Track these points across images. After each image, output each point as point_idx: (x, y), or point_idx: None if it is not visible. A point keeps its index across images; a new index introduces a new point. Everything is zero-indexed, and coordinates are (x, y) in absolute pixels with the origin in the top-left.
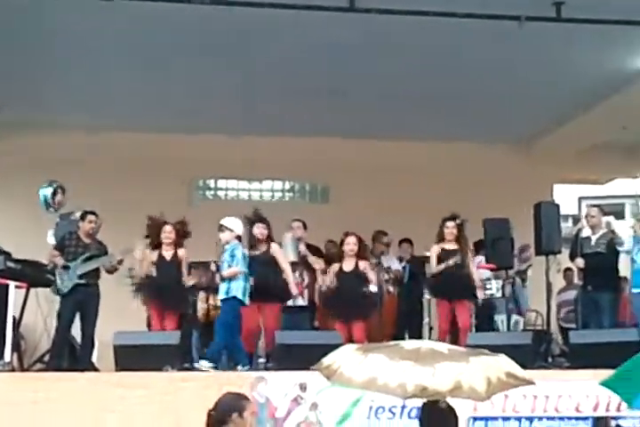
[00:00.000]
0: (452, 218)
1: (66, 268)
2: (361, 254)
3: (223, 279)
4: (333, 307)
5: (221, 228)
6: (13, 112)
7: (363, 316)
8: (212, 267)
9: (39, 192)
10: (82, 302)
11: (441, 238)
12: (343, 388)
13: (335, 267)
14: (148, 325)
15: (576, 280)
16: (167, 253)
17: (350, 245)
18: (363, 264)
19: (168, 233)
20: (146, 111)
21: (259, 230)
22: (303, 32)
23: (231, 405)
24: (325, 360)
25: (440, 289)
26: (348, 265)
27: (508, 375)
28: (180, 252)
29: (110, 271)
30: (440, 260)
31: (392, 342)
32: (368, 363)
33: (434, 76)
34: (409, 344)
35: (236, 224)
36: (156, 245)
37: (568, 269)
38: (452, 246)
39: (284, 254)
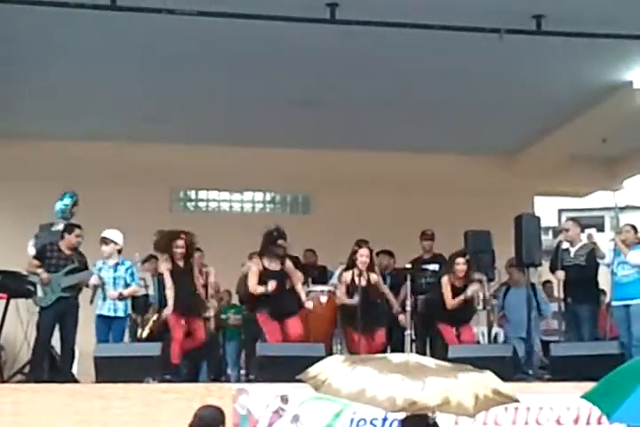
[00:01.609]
0: (463, 254)
1: (49, 280)
2: (371, 267)
3: (121, 298)
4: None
5: (105, 240)
6: None
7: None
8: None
9: (59, 201)
10: (62, 313)
11: (448, 271)
12: (327, 400)
13: (347, 279)
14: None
15: (555, 293)
16: (179, 262)
17: (364, 257)
18: (374, 278)
19: (180, 248)
20: (127, 121)
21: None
22: (285, 43)
23: (214, 418)
24: (312, 370)
25: (453, 318)
26: (363, 280)
27: (494, 392)
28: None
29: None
30: (453, 294)
31: (378, 355)
32: (356, 375)
33: (415, 87)
34: (396, 357)
35: (118, 237)
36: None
37: (547, 282)
38: (462, 283)
39: None
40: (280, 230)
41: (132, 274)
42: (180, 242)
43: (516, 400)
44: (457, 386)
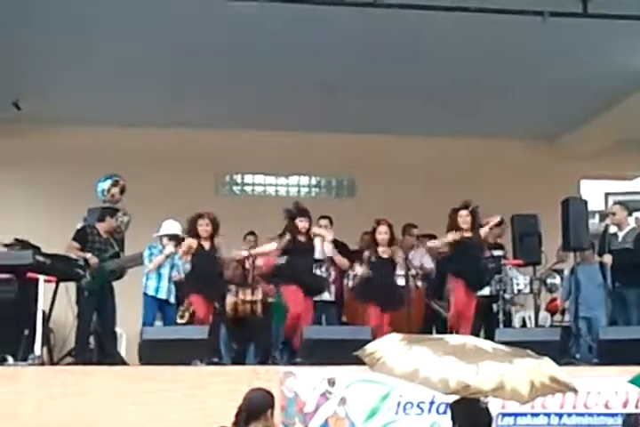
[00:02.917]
0: (465, 206)
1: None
2: (392, 242)
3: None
4: (368, 293)
5: (177, 238)
6: (36, 107)
7: (398, 303)
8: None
9: (98, 184)
10: (101, 298)
11: (453, 228)
12: (374, 382)
13: (367, 254)
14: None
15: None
16: (205, 243)
17: (382, 234)
18: (395, 251)
19: (205, 226)
20: (174, 106)
21: (302, 224)
22: (325, 26)
23: (265, 401)
24: (369, 347)
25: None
26: (382, 253)
27: (551, 380)
28: (217, 241)
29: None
30: (454, 249)
31: (437, 336)
32: (412, 355)
33: (458, 71)
34: (454, 339)
35: (178, 228)
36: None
37: None
38: (467, 234)
39: None
40: (299, 207)
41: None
42: (204, 221)
43: (574, 389)
44: (512, 371)
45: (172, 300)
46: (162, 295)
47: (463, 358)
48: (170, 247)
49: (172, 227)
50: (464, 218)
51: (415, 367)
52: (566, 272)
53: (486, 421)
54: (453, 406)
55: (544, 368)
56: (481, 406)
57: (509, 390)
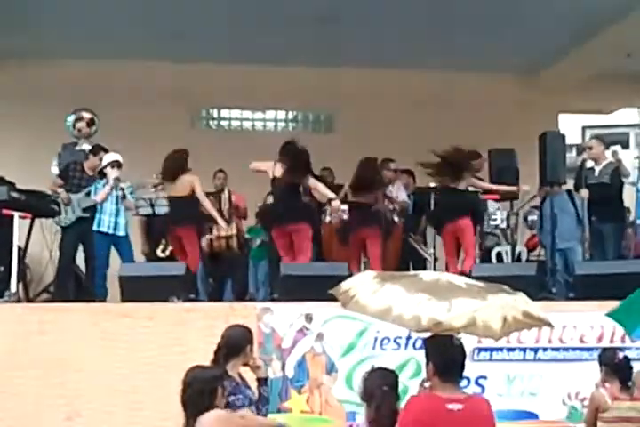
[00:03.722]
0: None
1: (69, 200)
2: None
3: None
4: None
5: (119, 164)
6: (10, 41)
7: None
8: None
9: (66, 119)
10: (84, 233)
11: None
12: (351, 318)
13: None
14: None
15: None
16: None
17: None
18: None
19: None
20: (148, 40)
21: None
22: None
23: (244, 337)
24: (343, 285)
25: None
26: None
27: (524, 315)
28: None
29: None
30: None
31: (411, 272)
32: (384, 292)
33: (437, 3)
34: (428, 275)
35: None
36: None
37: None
38: None
39: None
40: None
41: (131, 193)
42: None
43: (549, 324)
44: (484, 308)
45: (121, 233)
46: (103, 229)
47: (435, 295)
48: (115, 172)
49: (112, 155)
50: None
51: (388, 305)
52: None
53: (460, 358)
54: (427, 344)
55: (517, 303)
56: (454, 343)
57: (481, 326)
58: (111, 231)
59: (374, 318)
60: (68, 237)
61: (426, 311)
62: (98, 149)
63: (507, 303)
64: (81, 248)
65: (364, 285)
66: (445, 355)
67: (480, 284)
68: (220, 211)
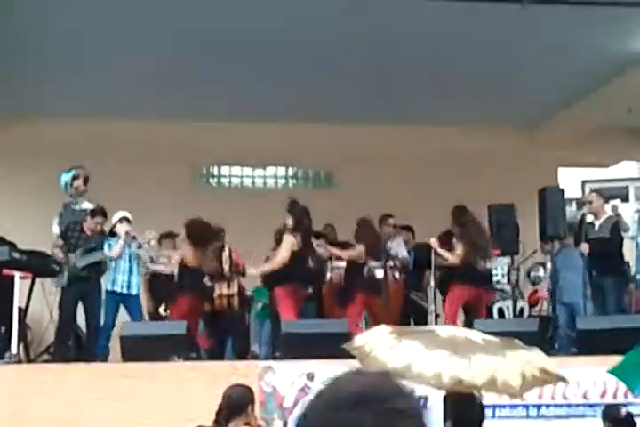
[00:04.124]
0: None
1: (66, 261)
2: None
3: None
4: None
5: (127, 219)
6: (14, 100)
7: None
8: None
9: (61, 177)
10: (83, 293)
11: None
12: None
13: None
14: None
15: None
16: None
17: None
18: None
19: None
20: (149, 98)
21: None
22: (303, 17)
23: (245, 397)
24: (357, 340)
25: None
26: None
27: (542, 371)
28: None
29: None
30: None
31: (426, 328)
32: (403, 348)
33: (435, 59)
34: (443, 331)
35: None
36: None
37: None
38: None
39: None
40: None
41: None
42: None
43: (563, 379)
44: (504, 365)
45: (134, 292)
46: (117, 288)
47: (455, 352)
48: (125, 226)
49: (120, 213)
50: None
51: (407, 362)
52: (549, 264)
53: (480, 417)
54: (447, 401)
55: (535, 360)
56: (475, 401)
57: (501, 384)
58: (125, 291)
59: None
60: (67, 297)
61: (447, 369)
62: (97, 212)
63: (525, 360)
64: (81, 307)
65: (380, 340)
66: (466, 413)
67: (496, 339)
68: (220, 269)
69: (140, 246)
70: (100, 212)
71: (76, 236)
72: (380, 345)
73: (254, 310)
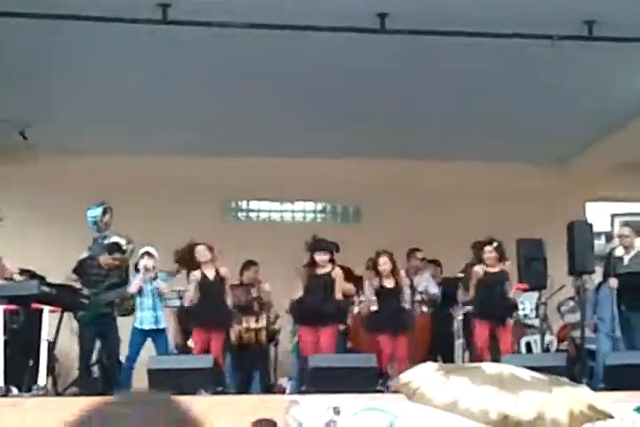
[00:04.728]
0: (490, 242)
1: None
2: (394, 271)
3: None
4: (377, 324)
5: (151, 255)
6: (40, 136)
7: (406, 329)
8: (253, 290)
9: (87, 213)
10: (101, 330)
11: (478, 262)
12: (378, 411)
13: (375, 283)
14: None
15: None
16: (208, 271)
17: (382, 265)
18: (400, 278)
19: (203, 251)
20: (177, 134)
21: (319, 257)
22: (333, 54)
23: None
24: (404, 377)
25: (483, 311)
26: (388, 283)
27: (590, 408)
28: (223, 270)
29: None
30: (482, 283)
31: (473, 364)
32: (450, 385)
33: (465, 96)
34: (490, 368)
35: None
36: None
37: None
38: (494, 269)
39: None
40: (317, 240)
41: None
42: (201, 247)
43: (611, 417)
44: (551, 401)
45: (162, 326)
46: (145, 326)
47: (503, 388)
48: (146, 261)
49: (144, 248)
50: (487, 254)
51: (454, 398)
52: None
53: None
54: None
55: (582, 396)
56: None
57: (549, 421)
58: (154, 327)
59: (441, 410)
60: (86, 333)
61: (494, 404)
62: (113, 249)
63: (572, 396)
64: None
65: (427, 377)
66: None
67: (542, 376)
68: (250, 303)
69: (155, 278)
70: (118, 248)
71: (94, 272)
72: (428, 382)
73: (291, 343)
